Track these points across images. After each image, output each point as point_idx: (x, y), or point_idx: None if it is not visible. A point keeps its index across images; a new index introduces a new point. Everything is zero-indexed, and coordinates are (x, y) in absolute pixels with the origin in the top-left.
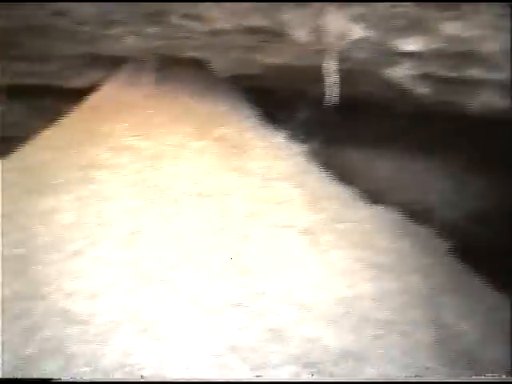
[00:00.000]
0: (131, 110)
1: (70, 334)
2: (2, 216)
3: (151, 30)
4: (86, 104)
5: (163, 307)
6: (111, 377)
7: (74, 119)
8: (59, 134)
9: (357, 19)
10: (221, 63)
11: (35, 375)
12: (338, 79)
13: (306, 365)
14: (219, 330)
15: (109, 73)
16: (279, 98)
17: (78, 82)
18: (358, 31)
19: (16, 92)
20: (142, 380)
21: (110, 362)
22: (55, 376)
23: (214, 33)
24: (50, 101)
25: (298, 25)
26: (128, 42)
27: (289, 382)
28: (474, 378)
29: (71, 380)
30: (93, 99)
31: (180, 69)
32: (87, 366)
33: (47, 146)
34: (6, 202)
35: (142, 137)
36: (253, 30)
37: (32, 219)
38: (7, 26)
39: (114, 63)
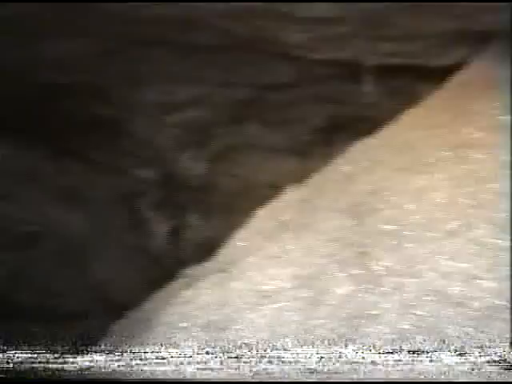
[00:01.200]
0: (503, 87)
1: (445, 315)
2: (373, 193)
3: None
4: (452, 82)
5: None
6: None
7: (441, 98)
8: (425, 112)
9: None
10: None
11: (411, 348)
12: None
13: None
14: None
15: (477, 49)
16: None
17: (442, 60)
18: None
19: (378, 73)
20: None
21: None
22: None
23: None
24: (408, 80)
25: None
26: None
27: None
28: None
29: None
30: (460, 77)
31: None
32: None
33: (413, 125)
34: (376, 180)
35: None
36: None
37: (403, 197)
38: (382, 5)
39: (483, 38)
